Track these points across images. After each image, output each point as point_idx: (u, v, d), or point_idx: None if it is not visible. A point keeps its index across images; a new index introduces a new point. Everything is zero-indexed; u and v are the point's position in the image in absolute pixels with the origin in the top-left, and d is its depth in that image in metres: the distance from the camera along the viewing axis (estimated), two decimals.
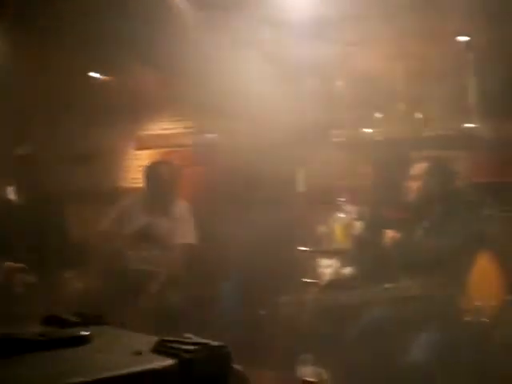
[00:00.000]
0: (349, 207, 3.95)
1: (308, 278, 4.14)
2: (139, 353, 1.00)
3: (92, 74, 4.72)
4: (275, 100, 3.79)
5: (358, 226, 3.85)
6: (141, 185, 4.38)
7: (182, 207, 4.09)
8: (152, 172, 4.10)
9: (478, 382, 3.03)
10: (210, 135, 4.78)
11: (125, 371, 0.91)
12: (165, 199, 4.05)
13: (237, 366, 1.38)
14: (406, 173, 3.44)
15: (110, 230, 4.11)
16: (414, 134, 3.83)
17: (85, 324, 1.17)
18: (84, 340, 1.07)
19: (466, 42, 3.79)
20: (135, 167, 5.21)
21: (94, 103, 4.65)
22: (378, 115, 4.02)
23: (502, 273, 3.03)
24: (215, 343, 1.01)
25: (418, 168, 3.32)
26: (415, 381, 2.83)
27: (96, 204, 4.43)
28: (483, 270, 3.03)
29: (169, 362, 0.95)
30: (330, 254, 3.92)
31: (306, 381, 1.41)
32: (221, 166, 4.42)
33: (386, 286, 3.17)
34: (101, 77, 4.81)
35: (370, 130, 4.00)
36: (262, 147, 4.02)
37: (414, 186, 3.30)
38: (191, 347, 0.98)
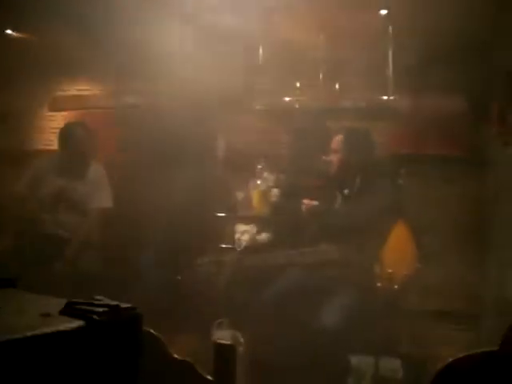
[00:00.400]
0: (266, 174, 3.98)
1: (225, 244, 4.18)
2: (47, 315, 0.98)
3: (8, 31, 4.50)
4: (197, 64, 3.75)
5: (275, 193, 3.89)
6: (55, 147, 4.25)
7: (97, 170, 4.01)
8: (67, 134, 3.99)
9: (386, 345, 3.17)
10: (129, 97, 4.67)
11: (32, 333, 0.90)
12: (80, 162, 3.95)
13: (150, 330, 1.38)
14: (324, 142, 3.49)
15: (24, 193, 3.99)
16: (332, 104, 3.88)
17: None
18: None
19: (386, 15, 3.86)
20: (49, 129, 5.04)
21: (8, 61, 4.44)
22: (297, 84, 4.05)
23: (413, 242, 3.16)
24: (125, 305, 1.00)
25: (337, 139, 3.38)
26: (327, 344, 2.91)
27: (8, 165, 4.27)
28: (397, 239, 3.14)
29: (77, 323, 0.95)
30: (247, 219, 3.96)
31: (220, 344, 1.44)
32: (140, 129, 4.34)
33: (302, 250, 3.23)
34: (17, 34, 4.59)
35: (289, 99, 4.02)
36: (182, 111, 3.98)
37: (333, 156, 3.35)
38: (100, 309, 0.97)
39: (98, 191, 3.94)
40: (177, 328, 3.48)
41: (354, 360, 3.22)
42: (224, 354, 1.39)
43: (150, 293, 3.79)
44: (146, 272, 4.05)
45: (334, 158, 3.34)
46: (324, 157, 3.49)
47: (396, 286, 2.89)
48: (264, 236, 3.83)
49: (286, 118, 4.12)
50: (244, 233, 3.88)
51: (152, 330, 1.39)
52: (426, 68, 3.74)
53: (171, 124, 3.98)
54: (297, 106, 4.02)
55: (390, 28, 3.75)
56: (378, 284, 2.93)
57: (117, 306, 0.99)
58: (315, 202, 3.47)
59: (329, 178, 3.34)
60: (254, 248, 3.74)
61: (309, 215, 3.59)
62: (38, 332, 0.91)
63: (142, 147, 4.26)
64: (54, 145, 4.46)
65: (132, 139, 4.44)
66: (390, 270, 2.88)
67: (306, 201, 3.47)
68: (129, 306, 1.01)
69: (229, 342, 1.48)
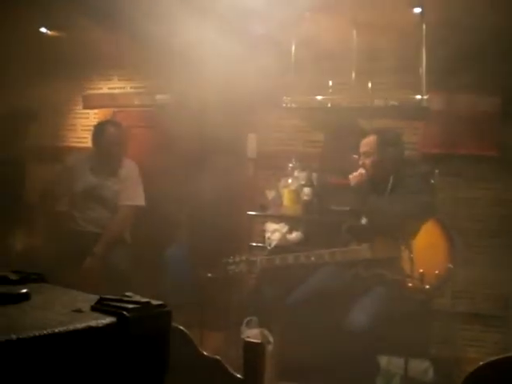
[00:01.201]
0: (298, 173, 3.97)
1: (255, 242, 4.19)
2: (79, 310, 0.98)
3: (42, 29, 4.56)
4: (229, 63, 3.75)
5: (307, 192, 3.88)
6: (87, 144, 4.30)
7: (130, 168, 4.04)
8: (100, 132, 4.02)
9: (415, 347, 3.14)
10: (161, 96, 4.70)
11: (63, 328, 0.90)
12: (113, 160, 3.98)
13: (179, 326, 1.38)
14: (356, 141, 3.46)
15: (56, 190, 4.04)
16: (364, 103, 3.85)
17: (24, 282, 1.14)
18: (23, 297, 1.04)
19: (419, 13, 3.81)
20: (81, 126, 5.10)
21: (42, 59, 4.51)
22: (329, 83, 4.02)
23: (445, 242, 3.12)
24: (155, 302, 1.00)
25: (370, 140, 3.35)
26: (357, 345, 2.89)
27: (41, 162, 4.33)
28: (429, 239, 3.11)
29: (108, 319, 0.95)
30: (277, 218, 3.95)
31: (250, 342, 1.43)
32: (171, 128, 4.37)
33: (333, 249, 3.22)
34: (51, 33, 4.64)
35: (321, 98, 3.99)
36: (214, 109, 3.99)
37: (365, 157, 3.33)
38: (130, 305, 0.97)
39: (130, 189, 3.96)
40: (206, 325, 3.51)
41: (383, 361, 3.20)
42: (253, 352, 1.39)
43: (180, 290, 3.83)
44: (176, 269, 4.09)
45: (366, 160, 3.32)
46: (355, 156, 3.46)
47: (427, 286, 2.85)
48: (295, 235, 3.83)
49: (318, 117, 4.09)
50: (275, 231, 3.88)
51: (181, 327, 1.39)
52: (460, 66, 3.69)
53: (203, 122, 4.01)
54: (329, 105, 3.98)
55: (424, 26, 3.70)
56: (410, 284, 2.89)
57: (147, 302, 0.99)
58: (348, 200, 3.48)
59: (362, 178, 3.32)
60: (284, 247, 3.74)
61: (341, 214, 3.58)
62: (69, 328, 0.91)
63: (174, 145, 4.28)
64: (86, 142, 4.53)
65: (163, 137, 4.47)
66: (421, 270, 2.84)
67: (338, 198, 3.48)
68: (159, 302, 1.01)
69: (258, 341, 1.47)
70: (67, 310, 0.98)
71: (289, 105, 3.78)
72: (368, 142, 3.35)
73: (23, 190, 4.04)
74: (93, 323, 0.92)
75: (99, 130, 4.05)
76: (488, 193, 4.10)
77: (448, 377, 3.27)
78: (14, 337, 0.84)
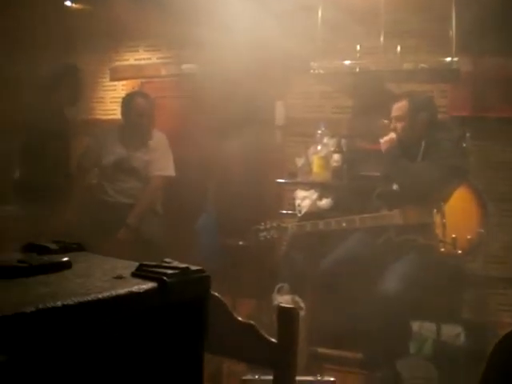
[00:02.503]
0: (327, 140, 3.94)
1: (286, 210, 4.20)
2: (120, 277, 1.00)
3: (67, 3, 4.57)
4: (254, 31, 3.72)
5: (336, 158, 3.86)
6: (116, 116, 4.32)
7: (159, 139, 4.07)
8: (129, 103, 4.04)
9: (448, 311, 3.15)
10: (187, 65, 4.69)
11: (106, 294, 0.92)
12: (141, 131, 4.01)
13: (215, 293, 1.41)
14: (386, 106, 3.43)
15: (86, 163, 4.09)
16: (393, 66, 3.79)
17: (64, 251, 1.17)
18: (64, 265, 1.06)
19: None
20: (110, 98, 5.13)
21: (67, 33, 4.52)
22: (357, 47, 3.97)
23: (476, 206, 3.10)
24: (194, 267, 1.02)
25: (401, 105, 3.32)
26: (389, 310, 2.91)
27: (75, 136, 4.37)
28: (461, 203, 3.10)
29: (149, 285, 0.97)
30: (307, 185, 3.95)
31: (283, 307, 1.45)
32: (199, 97, 4.37)
33: (365, 215, 3.22)
34: (75, 5, 4.65)
35: (349, 62, 3.94)
36: (241, 76, 3.98)
37: (397, 122, 3.31)
38: (170, 271, 0.99)
39: (160, 159, 3.99)
40: (239, 292, 3.55)
41: (416, 326, 3.21)
42: (287, 316, 1.41)
43: (213, 258, 3.87)
44: (209, 237, 4.13)
45: (398, 124, 3.30)
46: (385, 121, 3.43)
47: (460, 252, 2.84)
48: (324, 202, 3.82)
49: (346, 82, 4.06)
50: (304, 199, 3.88)
51: (217, 294, 1.42)
52: (489, 28, 3.61)
53: (230, 91, 3.99)
54: (357, 70, 3.94)
55: None
56: (442, 249, 2.88)
57: (186, 268, 1.01)
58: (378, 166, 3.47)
59: (392, 143, 3.30)
60: (314, 214, 3.74)
61: (371, 180, 3.57)
62: (111, 293, 0.93)
63: (202, 115, 4.29)
64: (115, 114, 4.55)
65: (191, 107, 4.47)
66: (453, 235, 2.83)
67: (368, 164, 3.47)
68: (198, 268, 1.03)
69: (290, 306, 1.49)
70: (109, 277, 1.00)
71: (316, 71, 3.74)
72: (400, 107, 3.32)
73: (69, 164, 4.11)
74: (134, 288, 0.94)
75: (127, 101, 4.06)
76: None
77: (480, 342, 3.27)
78: (59, 303, 0.86)
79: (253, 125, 3.94)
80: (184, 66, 4.71)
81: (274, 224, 3.33)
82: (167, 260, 1.04)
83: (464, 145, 3.51)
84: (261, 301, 3.76)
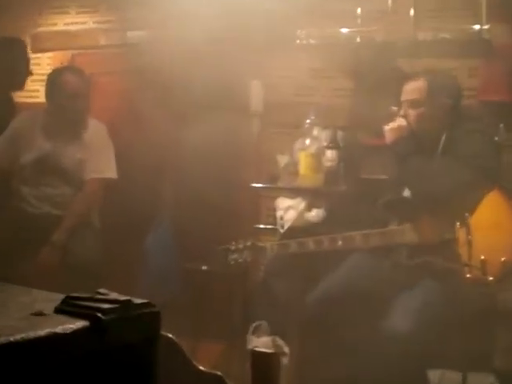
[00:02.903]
0: (318, 131, 3.97)
1: (264, 224, 4.21)
2: (40, 313, 1.00)
3: None
4: None
5: (331, 156, 3.88)
6: (39, 99, 4.30)
7: (95, 130, 4.06)
8: (56, 82, 4.03)
9: (476, 357, 3.17)
10: (134, 33, 4.69)
11: (21, 336, 0.92)
12: (73, 119, 4.00)
13: (168, 334, 1.41)
14: (395, 87, 3.46)
15: (3, 162, 4.07)
16: (405, 36, 3.84)
17: None
18: None
19: None
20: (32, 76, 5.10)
21: None
22: (358, 11, 4.01)
23: None
24: (139, 300, 1.03)
25: (416, 86, 3.35)
26: (400, 353, 2.92)
27: None
28: (493, 214, 3.12)
29: (78, 324, 0.97)
30: (292, 192, 3.96)
31: (259, 352, 1.46)
32: (149, 76, 4.36)
33: (367, 231, 3.24)
34: None
35: (348, 31, 3.98)
36: (203, 52, 3.99)
37: (411, 109, 3.33)
38: (106, 305, 0.99)
39: (97, 157, 3.98)
40: (201, 332, 3.55)
41: (435, 376, 3.23)
42: (264, 365, 1.42)
43: (167, 287, 3.86)
44: (160, 260, 4.12)
45: (412, 111, 3.32)
46: (395, 108, 3.46)
47: (491, 278, 2.87)
48: (315, 213, 3.84)
49: (344, 57, 4.09)
50: (288, 209, 3.89)
51: (171, 335, 1.42)
52: None
53: (191, 67, 3.99)
54: (358, 40, 3.98)
55: None
56: (468, 275, 2.91)
57: (128, 301, 1.01)
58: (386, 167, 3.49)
59: (402, 132, 3.33)
60: (301, 229, 3.76)
61: (376, 185, 3.59)
62: (28, 335, 0.93)
63: (153, 98, 4.28)
64: (38, 96, 4.53)
65: (139, 88, 4.46)
66: (482, 257, 2.85)
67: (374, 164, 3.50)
68: (144, 301, 1.03)
69: (270, 351, 1.50)
70: (25, 314, 1.00)
71: (305, 41, 3.78)
72: (415, 88, 3.34)
73: None
74: (59, 329, 0.94)
75: (54, 79, 4.05)
76: None
77: None
78: None
79: (221, 111, 3.95)
80: (130, 34, 4.71)
81: (249, 243, 3.34)
82: (103, 291, 1.05)
83: (497, 139, 3.55)
84: (231, 344, 3.76)
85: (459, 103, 3.38)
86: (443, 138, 3.22)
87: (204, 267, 3.78)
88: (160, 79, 4.18)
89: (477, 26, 3.69)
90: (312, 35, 3.81)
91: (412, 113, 3.31)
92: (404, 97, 3.36)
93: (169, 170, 4.27)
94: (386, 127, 3.34)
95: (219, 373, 1.46)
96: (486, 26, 3.62)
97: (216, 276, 3.71)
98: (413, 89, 3.33)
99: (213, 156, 3.99)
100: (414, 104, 3.31)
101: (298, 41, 3.77)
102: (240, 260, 3.35)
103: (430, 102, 3.28)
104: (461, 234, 3.00)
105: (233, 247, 3.34)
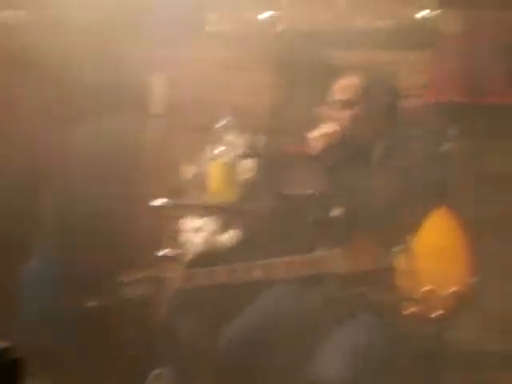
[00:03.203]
0: (233, 137, 4.00)
1: (166, 250, 4.21)
2: None
3: None
4: None
5: (248, 165, 3.91)
6: None
7: None
8: None
9: None
10: (7, 13, 4.65)
11: None
12: None
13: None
14: (325, 84, 3.50)
15: None
16: (336, 24, 3.91)
17: None
18: None
19: None
20: None
21: None
22: None
23: (464, 242, 3.20)
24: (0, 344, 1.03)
25: (348, 83, 3.39)
26: None
27: None
28: (439, 237, 3.18)
29: None
30: (201, 210, 3.98)
31: None
32: (23, 62, 4.31)
33: (291, 258, 3.26)
34: None
35: (267, 16, 4.03)
36: (93, 39, 3.98)
37: (342, 110, 3.37)
38: None
39: None
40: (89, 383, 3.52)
41: None
42: None
43: (42, 327, 3.81)
44: (37, 295, 4.07)
45: (343, 112, 3.36)
46: (325, 108, 3.51)
47: (436, 313, 2.94)
48: (228, 236, 3.85)
49: (263, 47, 4.13)
50: (196, 231, 3.89)
51: None
52: None
53: (75, 55, 3.97)
54: (280, 28, 4.03)
55: None
56: (409, 309, 2.97)
57: None
58: (314, 180, 3.51)
59: (335, 143, 3.36)
60: (212, 256, 3.78)
61: (301, 201, 3.63)
62: None
63: (27, 90, 4.23)
64: None
65: (10, 77, 4.41)
66: (426, 288, 2.92)
67: (299, 176, 3.53)
68: (6, 345, 1.03)
69: None
70: None
71: (216, 27, 3.80)
72: (347, 86, 3.38)
73: None
74: None
75: None
76: None
77: None
78: None
79: (113, 111, 3.94)
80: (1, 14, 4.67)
81: (147, 274, 3.34)
82: None
83: (445, 146, 3.63)
84: None
85: (399, 104, 3.44)
86: (380, 145, 3.27)
87: (93, 304, 3.75)
88: (37, 68, 4.13)
89: (423, 12, 3.77)
90: (225, 20, 3.83)
91: (343, 115, 3.34)
92: (334, 96, 3.40)
93: (50, 182, 4.22)
94: (310, 135, 3.37)
95: None
96: (434, 13, 3.70)
97: (108, 314, 3.68)
98: (344, 87, 3.37)
99: (104, 166, 3.97)
100: (345, 105, 3.35)
101: (207, 27, 3.77)
102: (136, 294, 3.33)
103: (365, 103, 3.34)
104: (400, 261, 3.07)
105: (127, 279, 3.33)
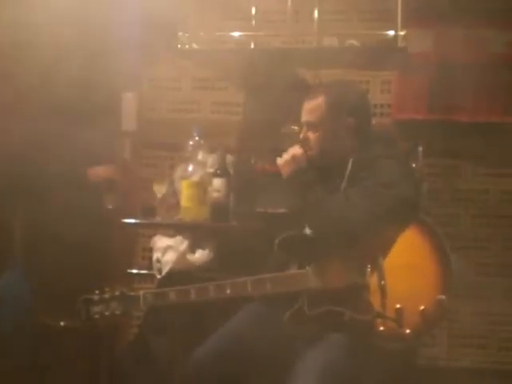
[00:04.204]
0: (203, 155, 3.98)
1: (136, 268, 4.16)
2: None
3: None
4: None
5: (218, 184, 3.88)
6: None
7: None
8: None
9: None
10: None
11: None
12: None
13: None
14: (296, 103, 3.49)
15: None
16: (307, 43, 3.90)
17: None
18: None
19: None
20: None
21: None
22: (252, 11, 4.05)
23: (435, 259, 3.18)
24: None
25: (317, 102, 3.37)
26: None
27: None
28: (410, 255, 3.15)
29: None
30: (172, 229, 3.95)
31: None
32: None
33: (261, 276, 3.23)
34: None
35: (240, 35, 4.03)
36: (64, 55, 3.95)
37: (311, 129, 3.35)
38: None
39: None
40: None
41: None
42: None
43: (9, 348, 3.76)
44: (4, 313, 4.01)
45: (310, 134, 3.34)
46: (295, 127, 3.49)
47: (408, 330, 2.91)
48: (199, 254, 3.83)
49: (234, 65, 4.12)
50: (167, 250, 3.87)
51: None
52: None
53: (45, 72, 3.92)
54: (252, 46, 4.02)
55: None
56: (381, 327, 2.95)
57: None
58: (285, 198, 3.49)
59: (297, 163, 3.33)
60: (183, 274, 3.74)
61: (272, 219, 3.59)
62: None
63: None
64: None
65: None
66: (398, 305, 2.90)
67: (269, 195, 3.50)
68: None
69: None
70: None
71: (187, 45, 3.78)
72: (313, 107, 3.35)
73: None
74: None
75: None
76: (503, 182, 4.21)
77: None
78: None
79: (84, 129, 3.90)
80: None
81: (117, 292, 3.28)
82: None
83: (414, 165, 3.61)
84: None
85: (368, 123, 3.42)
86: (349, 165, 3.24)
87: (62, 323, 3.70)
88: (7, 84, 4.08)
89: (391, 32, 3.76)
90: (197, 39, 3.81)
91: (311, 136, 3.32)
92: (303, 117, 3.38)
93: (19, 203, 4.17)
94: (279, 160, 3.34)
95: None
96: (402, 32, 3.69)
97: (77, 334, 3.63)
98: (310, 107, 3.33)
99: (74, 184, 3.93)
100: (311, 126, 3.33)
101: (179, 45, 3.75)
102: (106, 313, 3.26)
103: (331, 124, 3.30)
104: (372, 279, 3.04)
105: (96, 297, 3.27)
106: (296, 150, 3.30)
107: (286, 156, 3.31)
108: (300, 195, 3.29)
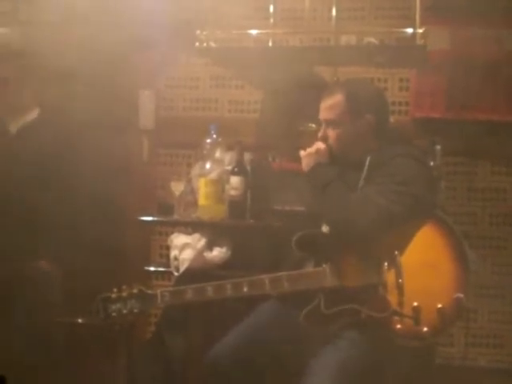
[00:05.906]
0: (221, 153, 3.96)
1: (154, 266, 4.15)
2: None
3: None
4: None
5: (236, 182, 3.87)
6: None
7: None
8: None
9: None
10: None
11: None
12: None
13: None
14: (313, 101, 3.47)
15: None
16: (325, 40, 3.88)
17: None
18: None
19: None
20: None
21: None
22: (270, 9, 4.04)
23: (452, 257, 3.15)
24: None
25: (335, 101, 3.36)
26: None
27: None
28: (427, 253, 3.13)
29: None
30: (190, 226, 3.95)
31: None
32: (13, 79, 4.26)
33: (278, 275, 3.21)
34: None
35: (258, 33, 4.01)
36: (80, 53, 3.94)
37: (330, 128, 3.34)
38: None
39: None
40: None
41: None
42: None
43: (30, 345, 3.75)
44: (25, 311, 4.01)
45: (329, 131, 3.33)
46: (312, 125, 3.48)
47: (425, 329, 2.89)
48: (217, 252, 3.82)
49: (252, 64, 4.10)
50: (185, 247, 3.86)
51: None
52: None
53: (64, 71, 3.92)
54: (270, 44, 4.00)
55: None
56: (398, 325, 2.93)
57: None
58: (302, 196, 3.48)
59: (319, 158, 3.33)
60: (200, 272, 3.73)
61: (290, 217, 3.58)
62: None
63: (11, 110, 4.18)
64: None
65: None
66: (415, 303, 2.88)
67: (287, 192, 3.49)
68: None
69: None
70: None
71: (205, 44, 3.77)
72: (332, 105, 3.34)
73: None
74: None
75: None
76: None
77: None
78: None
79: (102, 128, 3.90)
80: None
81: (135, 290, 3.26)
82: None
83: (432, 163, 3.59)
84: None
85: (386, 120, 3.41)
86: (367, 162, 3.23)
87: (80, 320, 3.70)
88: (23, 87, 4.07)
89: (410, 30, 3.73)
90: (215, 37, 3.79)
91: (330, 133, 3.32)
92: (321, 115, 3.37)
93: (38, 201, 4.16)
94: (302, 153, 3.33)
95: None
96: (420, 30, 3.66)
97: (95, 331, 3.62)
98: (330, 104, 3.32)
99: (92, 182, 3.92)
100: (331, 124, 3.32)
101: (197, 43, 3.73)
102: (124, 311, 3.25)
103: (350, 122, 3.29)
104: (390, 277, 3.02)
105: (114, 295, 3.26)
106: (319, 144, 3.30)
107: (309, 150, 3.31)
108: (318, 190, 3.28)
